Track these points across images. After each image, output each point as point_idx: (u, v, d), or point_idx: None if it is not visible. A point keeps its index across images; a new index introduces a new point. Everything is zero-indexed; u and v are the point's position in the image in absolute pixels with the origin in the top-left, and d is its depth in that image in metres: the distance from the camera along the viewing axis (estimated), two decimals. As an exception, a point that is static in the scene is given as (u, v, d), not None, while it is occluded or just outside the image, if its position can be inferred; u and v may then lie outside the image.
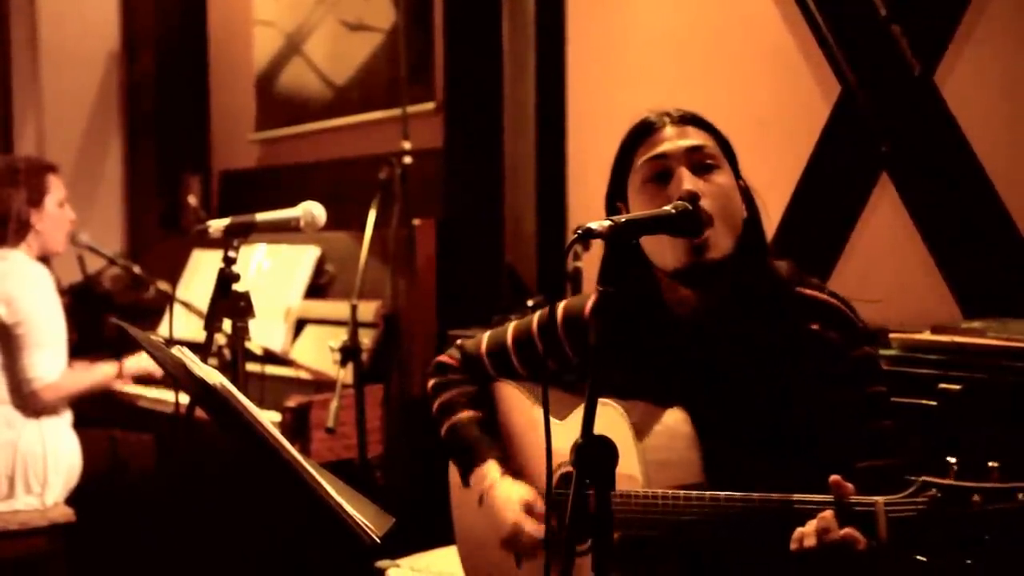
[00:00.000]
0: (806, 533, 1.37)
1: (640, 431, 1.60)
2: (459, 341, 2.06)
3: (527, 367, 1.94)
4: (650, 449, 1.59)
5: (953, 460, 1.29)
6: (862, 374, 1.59)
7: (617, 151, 1.72)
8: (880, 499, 1.34)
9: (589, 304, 1.82)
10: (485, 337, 2.00)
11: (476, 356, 1.99)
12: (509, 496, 1.80)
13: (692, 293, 1.65)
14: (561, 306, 1.87)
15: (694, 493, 1.50)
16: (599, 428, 1.56)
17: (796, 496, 1.41)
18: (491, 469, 1.87)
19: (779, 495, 1.42)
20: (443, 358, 2.04)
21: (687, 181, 1.59)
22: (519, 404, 1.92)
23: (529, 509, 1.77)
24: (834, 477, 1.37)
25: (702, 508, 1.48)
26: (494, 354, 1.97)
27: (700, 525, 1.49)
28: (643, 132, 1.67)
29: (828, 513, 1.36)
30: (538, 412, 1.88)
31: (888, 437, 1.57)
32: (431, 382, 2.04)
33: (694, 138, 1.64)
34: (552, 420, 1.71)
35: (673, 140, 1.63)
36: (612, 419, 1.63)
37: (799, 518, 1.39)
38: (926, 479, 1.30)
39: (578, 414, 1.67)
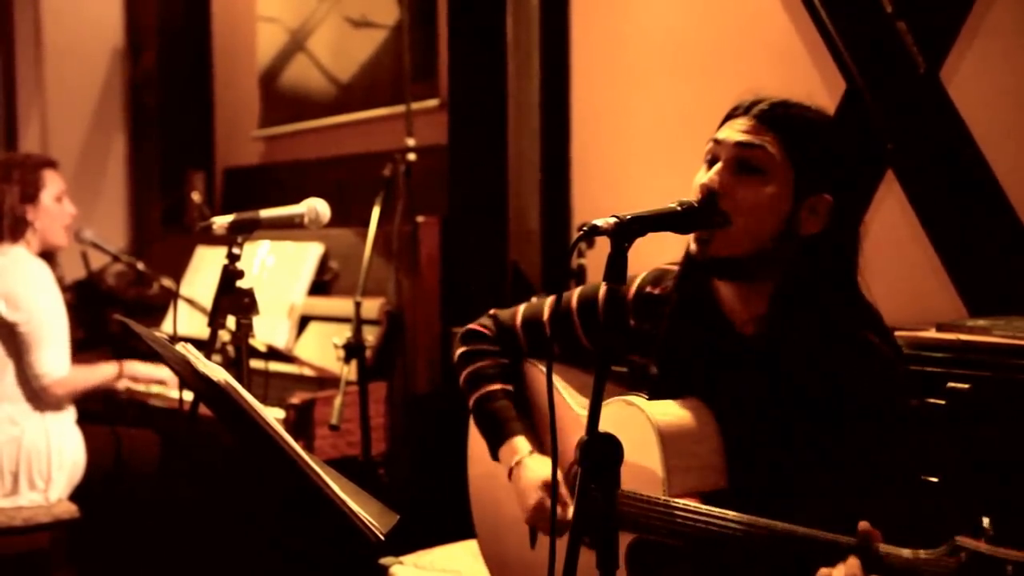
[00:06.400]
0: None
1: (666, 431, 1.58)
2: (492, 311, 2.01)
3: (563, 344, 1.89)
4: (674, 453, 1.57)
5: (987, 523, 1.23)
6: (892, 431, 1.52)
7: None
8: (908, 554, 1.30)
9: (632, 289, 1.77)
10: (520, 309, 1.96)
11: (510, 328, 1.96)
12: (536, 476, 1.81)
13: (730, 290, 1.62)
14: (602, 289, 1.83)
15: (716, 511, 1.48)
16: (624, 426, 1.55)
17: (821, 534, 1.37)
18: (521, 445, 1.86)
19: (803, 530, 1.38)
20: (475, 326, 2.00)
21: (712, 174, 1.55)
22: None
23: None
24: (863, 524, 1.33)
25: (723, 527, 1.46)
26: (530, 326, 1.93)
27: (719, 543, 1.46)
28: (729, 112, 1.61)
29: (854, 561, 1.31)
30: (567, 391, 1.88)
31: (906, 491, 1.53)
32: (460, 350, 1.99)
33: (755, 137, 1.55)
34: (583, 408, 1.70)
35: (735, 130, 1.57)
36: (636, 417, 1.61)
37: (822, 556, 1.35)
38: (959, 542, 1.24)
39: (612, 404, 1.67)
